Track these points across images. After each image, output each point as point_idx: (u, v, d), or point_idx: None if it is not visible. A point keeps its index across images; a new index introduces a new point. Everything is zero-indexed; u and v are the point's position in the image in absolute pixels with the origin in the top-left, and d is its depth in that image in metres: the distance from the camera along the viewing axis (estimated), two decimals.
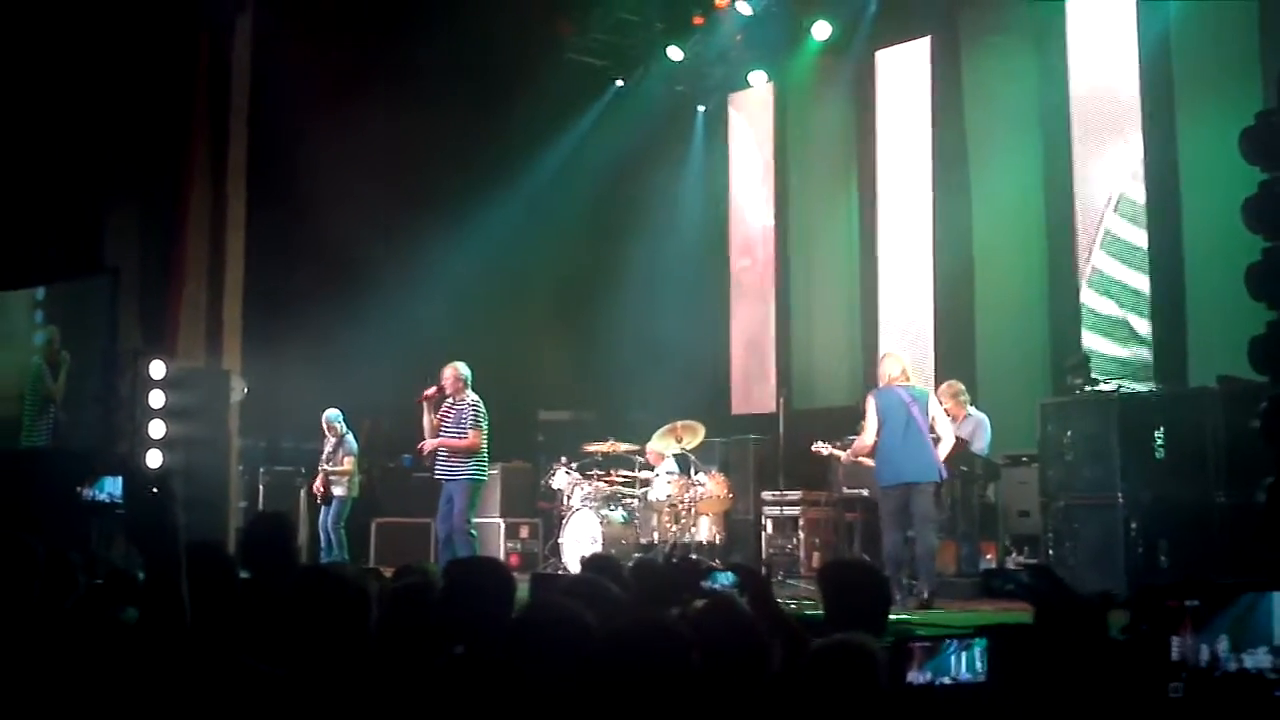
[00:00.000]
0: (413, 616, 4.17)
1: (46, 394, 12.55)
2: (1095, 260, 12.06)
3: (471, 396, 10.78)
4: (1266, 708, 3.02)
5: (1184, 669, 3.10)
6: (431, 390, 10.86)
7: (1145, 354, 11.67)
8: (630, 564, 6.04)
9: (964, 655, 3.21)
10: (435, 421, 10.84)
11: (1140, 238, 11.79)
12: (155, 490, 3.42)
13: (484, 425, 10.73)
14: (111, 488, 10.25)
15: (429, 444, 10.84)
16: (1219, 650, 3.07)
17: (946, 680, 3.21)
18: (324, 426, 12.74)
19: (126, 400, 11.94)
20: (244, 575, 4.84)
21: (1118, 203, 11.96)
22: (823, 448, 10.73)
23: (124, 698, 3.25)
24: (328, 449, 12.73)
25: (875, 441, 9.77)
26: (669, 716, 2.83)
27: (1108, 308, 11.93)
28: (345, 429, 12.78)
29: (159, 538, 3.41)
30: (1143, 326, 11.71)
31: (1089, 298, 12.09)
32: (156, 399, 11.91)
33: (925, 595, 9.33)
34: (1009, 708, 3.20)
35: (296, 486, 13.82)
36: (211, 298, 12.81)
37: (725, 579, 4.42)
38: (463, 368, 10.84)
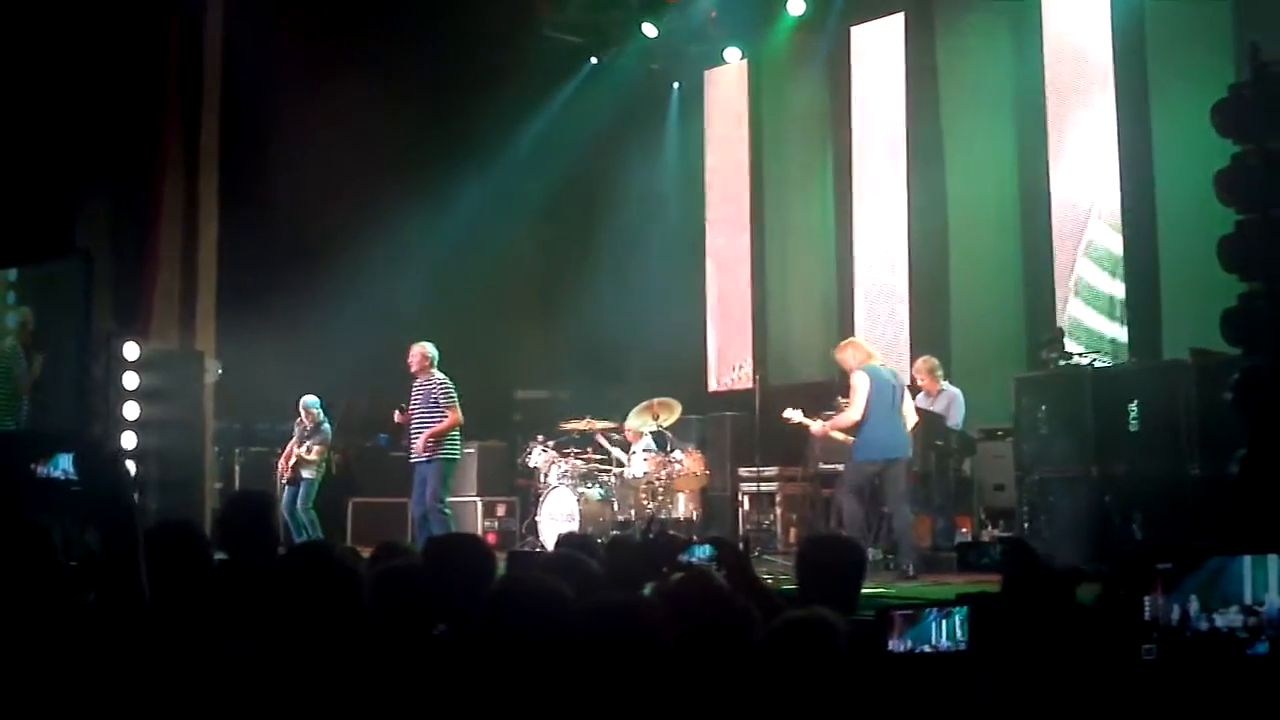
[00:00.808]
0: (399, 596, 4.19)
1: (19, 379, 12.47)
2: (1091, 233, 12.07)
3: (439, 375, 10.87)
4: (1239, 665, 3.07)
5: (1156, 628, 3.15)
6: (401, 418, 10.99)
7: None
8: (606, 541, 6.06)
9: (944, 623, 3.24)
10: (409, 412, 10.90)
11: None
12: (105, 466, 3.41)
13: (456, 404, 10.84)
14: (65, 464, 10.18)
15: (419, 445, 10.88)
16: (1190, 610, 3.13)
17: (927, 648, 3.24)
18: (300, 411, 12.62)
19: (100, 382, 11.89)
20: (222, 555, 4.82)
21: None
22: (793, 414, 10.74)
23: (99, 682, 3.24)
24: (299, 433, 12.59)
25: (860, 419, 9.84)
26: (643, 692, 2.84)
27: (1103, 281, 11.96)
28: (322, 417, 12.62)
29: (114, 515, 3.39)
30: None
31: (1086, 269, 12.09)
32: (130, 380, 11.86)
33: (911, 571, 9.45)
34: (989, 674, 3.23)
35: (272, 467, 13.76)
36: (185, 279, 12.75)
37: (703, 552, 4.42)
38: (429, 347, 10.91)
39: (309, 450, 12.42)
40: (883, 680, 3.21)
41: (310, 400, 12.59)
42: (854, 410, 9.88)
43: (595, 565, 4.39)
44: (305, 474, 12.41)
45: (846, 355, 10.13)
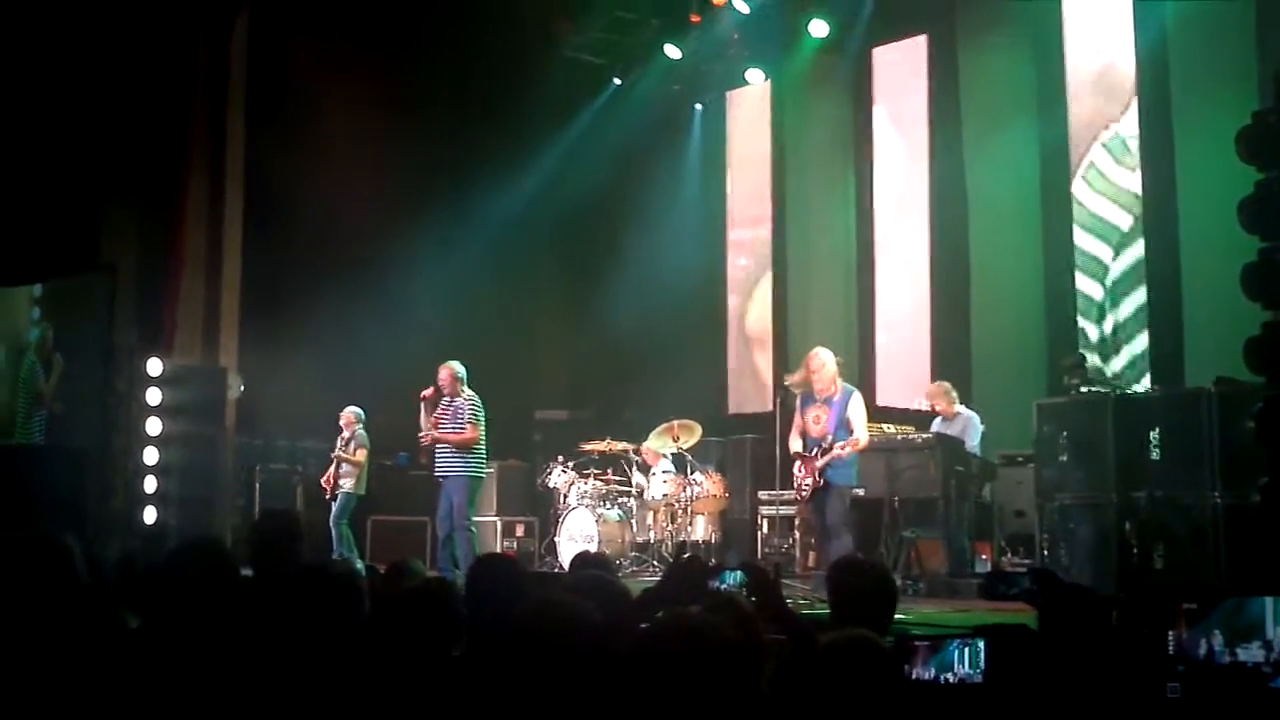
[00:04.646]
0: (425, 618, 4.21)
1: (39, 392, 12.55)
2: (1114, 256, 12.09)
3: (468, 393, 10.95)
4: (1263, 698, 3.10)
5: (1181, 662, 3.19)
6: (429, 391, 10.96)
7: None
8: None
9: (966, 652, 3.26)
10: (434, 421, 10.94)
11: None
12: None
13: (481, 421, 10.88)
14: None
15: (427, 435, 10.95)
16: (1214, 644, 3.17)
17: (950, 677, 3.25)
18: (341, 421, 12.55)
19: (124, 397, 11.96)
20: (249, 573, 4.86)
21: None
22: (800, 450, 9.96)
23: (124, 696, 3.27)
24: (341, 442, 12.54)
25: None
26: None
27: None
28: (361, 426, 12.57)
29: None
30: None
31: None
32: (153, 396, 11.95)
33: None
34: (1007, 706, 3.24)
35: (293, 484, 13.78)
36: (209, 295, 12.84)
37: (733, 578, 4.41)
38: (458, 367, 10.97)
39: (354, 452, 12.34)
40: (908, 708, 3.21)
41: (354, 409, 12.54)
42: (865, 432, 9.65)
43: (621, 586, 4.38)
44: (345, 485, 12.33)
45: (834, 369, 9.79)
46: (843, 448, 9.47)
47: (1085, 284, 12.08)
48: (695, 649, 2.73)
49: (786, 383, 10.08)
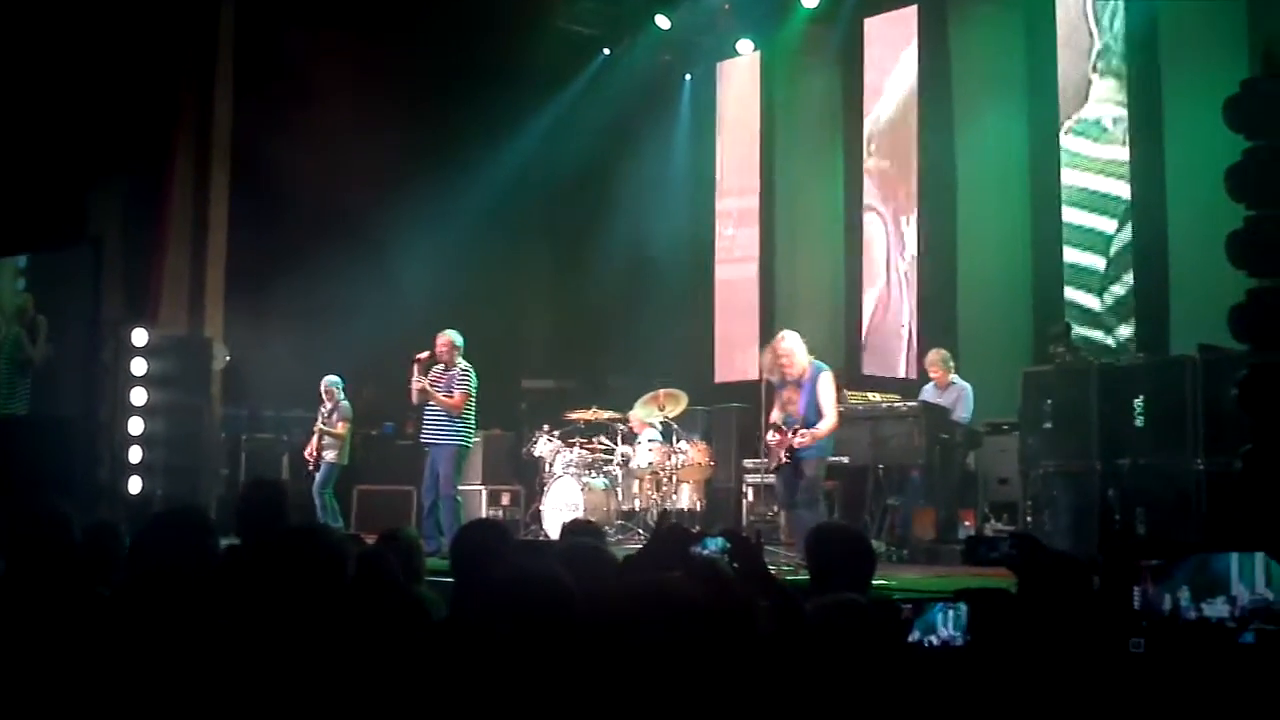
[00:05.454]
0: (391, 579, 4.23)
1: (24, 360, 12.54)
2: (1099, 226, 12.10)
3: (463, 364, 11.07)
4: (1230, 654, 3.12)
5: (1146, 617, 3.21)
6: (424, 354, 11.01)
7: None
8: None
9: (950, 615, 3.28)
10: (425, 386, 10.98)
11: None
12: None
13: (471, 390, 10.98)
14: None
15: (420, 384, 10.99)
16: (1180, 600, 3.20)
17: (934, 639, 3.27)
18: (322, 392, 12.55)
19: (109, 368, 11.95)
20: (235, 541, 4.89)
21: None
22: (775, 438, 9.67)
23: (103, 666, 3.28)
24: (323, 414, 12.54)
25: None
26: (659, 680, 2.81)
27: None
28: (341, 395, 12.58)
29: None
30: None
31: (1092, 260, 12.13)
32: (139, 366, 11.93)
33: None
34: (988, 669, 3.25)
35: (279, 454, 13.78)
36: (194, 266, 12.83)
37: (715, 544, 4.40)
38: (456, 336, 11.07)
39: (336, 425, 12.32)
40: (894, 670, 3.23)
41: (331, 380, 12.52)
42: (833, 413, 9.36)
43: (611, 554, 4.40)
44: (328, 456, 12.32)
45: (802, 352, 9.53)
46: (804, 436, 9.23)
47: (1086, 257, 12.06)
48: (661, 612, 2.72)
49: (765, 375, 9.92)
